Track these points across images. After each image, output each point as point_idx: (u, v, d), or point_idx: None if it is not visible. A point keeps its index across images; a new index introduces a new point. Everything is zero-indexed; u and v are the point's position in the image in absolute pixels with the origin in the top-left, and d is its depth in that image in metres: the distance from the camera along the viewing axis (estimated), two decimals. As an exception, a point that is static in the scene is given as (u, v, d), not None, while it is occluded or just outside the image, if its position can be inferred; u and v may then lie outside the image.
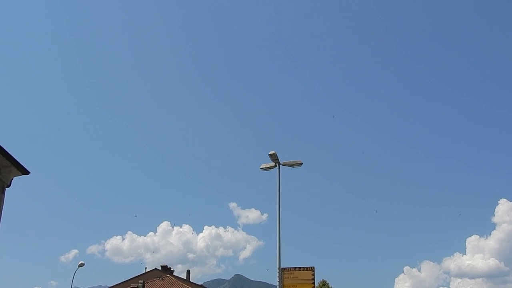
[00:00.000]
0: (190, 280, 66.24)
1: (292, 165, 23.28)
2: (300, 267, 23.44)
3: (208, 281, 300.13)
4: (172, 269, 64.88)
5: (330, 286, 54.75)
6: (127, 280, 59.33)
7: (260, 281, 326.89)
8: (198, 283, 67.84)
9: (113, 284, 60.48)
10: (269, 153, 22.90)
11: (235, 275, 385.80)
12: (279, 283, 22.50)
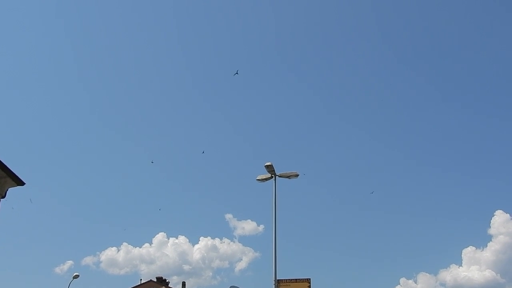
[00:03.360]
0: (186, 292, 65.68)
1: (288, 177, 23.19)
2: (296, 279, 23.34)
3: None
4: (167, 280, 64.44)
5: (326, 298, 54.32)
6: (122, 292, 58.78)
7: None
8: (193, 295, 67.24)
9: (108, 296, 59.90)
10: (265, 164, 22.84)
11: (230, 286, 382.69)
12: (275, 295, 22.33)
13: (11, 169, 13.87)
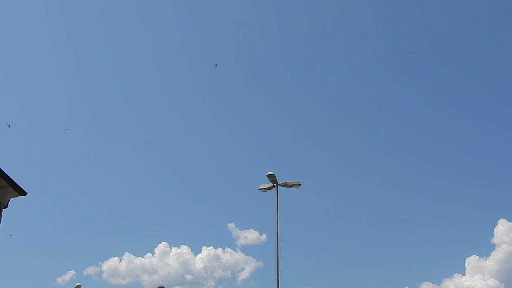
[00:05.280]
0: (188, 302, 65.35)
1: (291, 186, 23.20)
2: (298, 289, 23.20)
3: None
4: (169, 290, 64.14)
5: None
6: (124, 302, 58.55)
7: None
8: (195, 305, 66.95)
9: (110, 306, 59.64)
10: (267, 173, 22.87)
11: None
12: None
13: (13, 179, 13.93)
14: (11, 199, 14.55)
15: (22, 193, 14.61)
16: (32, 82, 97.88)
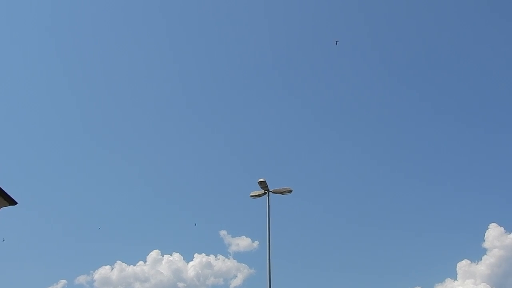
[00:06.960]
0: (180, 310, 65.01)
1: (282, 193, 23.28)
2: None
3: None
4: (161, 299, 63.77)
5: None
6: (115, 311, 58.20)
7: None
8: (188, 313, 66.59)
9: (101, 316, 59.23)
10: (258, 180, 22.92)
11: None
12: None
13: (3, 188, 13.88)
14: (1, 208, 14.50)
15: (12, 202, 14.55)
16: (20, 89, 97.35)
